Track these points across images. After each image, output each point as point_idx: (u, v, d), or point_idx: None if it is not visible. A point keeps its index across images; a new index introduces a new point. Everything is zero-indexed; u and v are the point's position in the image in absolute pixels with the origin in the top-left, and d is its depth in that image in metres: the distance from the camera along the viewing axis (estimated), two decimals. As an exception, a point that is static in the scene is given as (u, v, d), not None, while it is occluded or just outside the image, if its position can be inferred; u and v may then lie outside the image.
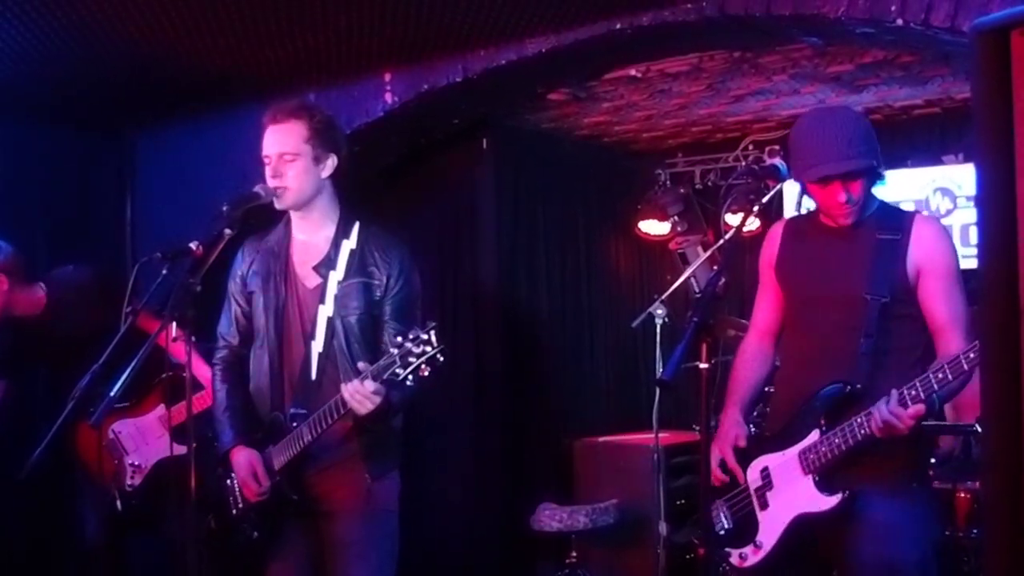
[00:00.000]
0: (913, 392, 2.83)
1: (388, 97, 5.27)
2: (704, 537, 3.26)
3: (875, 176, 3.10)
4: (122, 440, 4.67)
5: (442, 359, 3.06)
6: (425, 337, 3.04)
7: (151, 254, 4.48)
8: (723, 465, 3.25)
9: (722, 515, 3.25)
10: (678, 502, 5.87)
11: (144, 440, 4.66)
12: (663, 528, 5.66)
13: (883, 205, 3.20)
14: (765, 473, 3.17)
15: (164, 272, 4.04)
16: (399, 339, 3.09)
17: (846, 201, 3.05)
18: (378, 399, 3.15)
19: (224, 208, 3.45)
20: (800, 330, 3.26)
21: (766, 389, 3.53)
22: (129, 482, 4.61)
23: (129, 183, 6.06)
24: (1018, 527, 1.47)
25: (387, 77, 5.25)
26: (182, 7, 4.17)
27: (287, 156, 3.41)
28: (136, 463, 4.62)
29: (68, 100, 5.34)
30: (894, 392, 2.86)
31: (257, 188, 3.44)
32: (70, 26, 4.29)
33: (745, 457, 3.23)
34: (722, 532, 3.24)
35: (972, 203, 6.27)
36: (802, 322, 3.25)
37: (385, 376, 3.10)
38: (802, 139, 3.12)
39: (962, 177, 6.41)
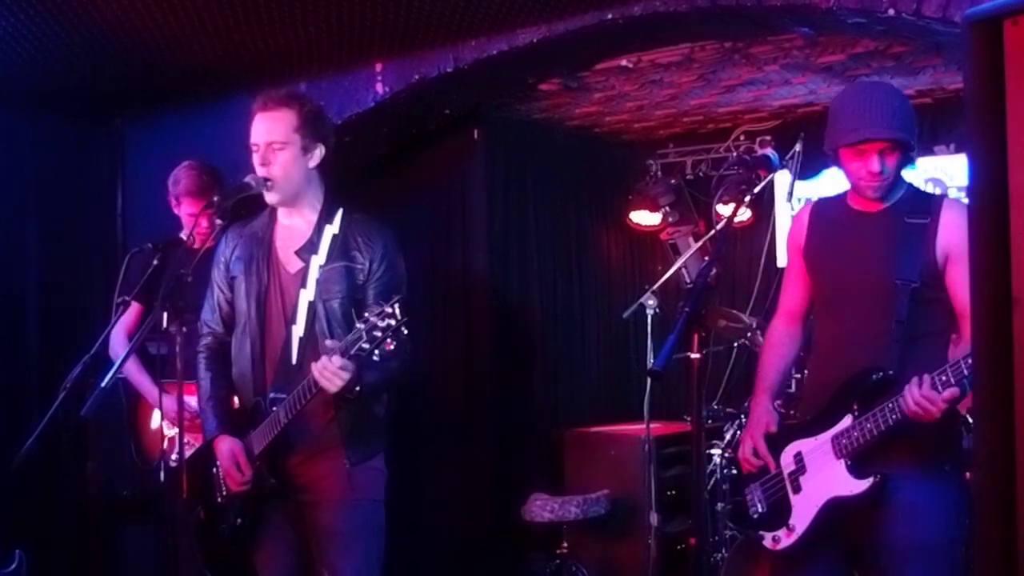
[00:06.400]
0: (944, 378, 2.85)
1: (379, 87, 5.25)
2: (735, 521, 3.22)
3: (908, 157, 3.12)
4: None
5: (406, 332, 3.06)
6: (389, 311, 3.05)
7: (142, 244, 4.49)
8: (755, 453, 3.29)
9: (756, 499, 3.28)
10: (669, 492, 5.88)
11: None
12: (654, 518, 5.67)
13: (911, 188, 3.22)
14: (799, 458, 3.19)
15: (155, 262, 4.03)
16: (365, 314, 3.10)
17: (880, 171, 3.05)
18: (347, 375, 3.14)
19: (215, 198, 3.45)
20: (831, 316, 3.27)
21: (795, 375, 3.50)
22: None
23: (120, 172, 6.03)
24: (1009, 520, 1.47)
25: (378, 67, 5.24)
26: (172, -4, 4.15)
27: (275, 145, 3.39)
28: None
29: (59, 89, 5.31)
30: (926, 377, 2.87)
31: (248, 179, 3.43)
32: (61, 14, 4.27)
33: (778, 443, 3.26)
34: (756, 516, 3.27)
35: (963, 193, 6.27)
36: (833, 308, 3.27)
37: (352, 352, 3.09)
38: (845, 106, 3.14)
39: (953, 168, 6.41)
